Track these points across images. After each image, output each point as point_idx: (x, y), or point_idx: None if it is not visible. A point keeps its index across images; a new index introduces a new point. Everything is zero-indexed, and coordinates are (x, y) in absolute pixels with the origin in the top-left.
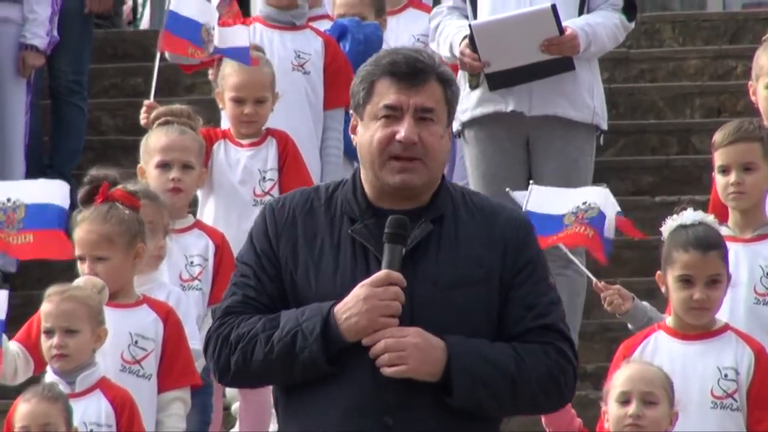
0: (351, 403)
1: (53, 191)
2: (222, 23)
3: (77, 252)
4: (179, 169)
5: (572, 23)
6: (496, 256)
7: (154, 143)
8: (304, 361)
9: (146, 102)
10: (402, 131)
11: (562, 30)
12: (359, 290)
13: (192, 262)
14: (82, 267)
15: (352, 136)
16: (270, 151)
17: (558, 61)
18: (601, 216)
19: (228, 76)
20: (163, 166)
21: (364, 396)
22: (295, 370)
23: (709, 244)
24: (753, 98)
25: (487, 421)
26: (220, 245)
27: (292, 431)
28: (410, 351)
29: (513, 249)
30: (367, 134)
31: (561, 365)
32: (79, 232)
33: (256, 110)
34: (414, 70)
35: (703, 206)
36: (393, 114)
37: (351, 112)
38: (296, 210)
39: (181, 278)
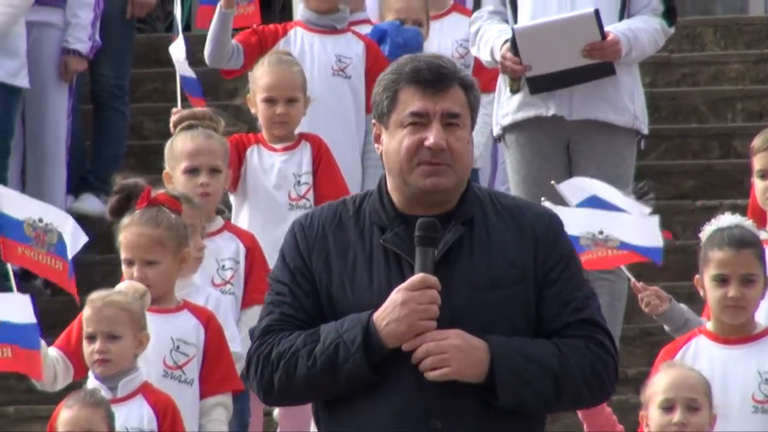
0: (397, 409)
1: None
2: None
3: (125, 255)
4: (207, 173)
5: (613, 28)
6: (529, 255)
7: (180, 148)
8: (348, 372)
9: (174, 110)
10: (431, 137)
11: (604, 35)
12: (396, 295)
13: (224, 266)
14: (130, 271)
15: (375, 145)
16: (304, 155)
17: (599, 65)
18: (625, 246)
19: (258, 79)
20: (191, 171)
21: (409, 402)
22: (339, 382)
23: (743, 242)
24: None
25: (532, 419)
26: (251, 247)
27: None
28: (452, 353)
29: (544, 246)
30: (394, 142)
31: (602, 358)
32: (128, 236)
33: (287, 110)
34: (438, 76)
35: (744, 210)
36: (419, 121)
37: (373, 121)
38: (326, 224)
39: (213, 282)
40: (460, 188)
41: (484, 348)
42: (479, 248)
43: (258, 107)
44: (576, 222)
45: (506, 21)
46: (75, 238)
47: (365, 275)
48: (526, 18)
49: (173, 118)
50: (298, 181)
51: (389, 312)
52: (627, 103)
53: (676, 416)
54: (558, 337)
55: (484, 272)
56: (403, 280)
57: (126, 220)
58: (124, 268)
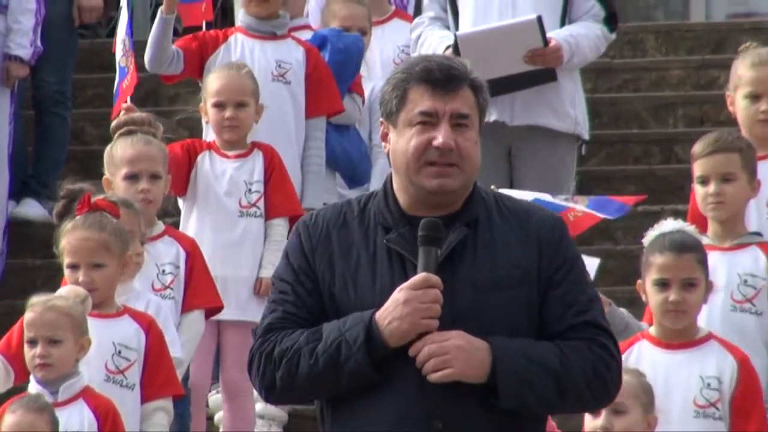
0: (399, 410)
1: None
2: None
3: (69, 260)
4: (147, 179)
5: (555, 34)
6: (533, 257)
7: (120, 155)
8: (349, 371)
9: (124, 105)
10: (439, 137)
11: (546, 41)
12: (398, 294)
13: (164, 271)
14: (74, 275)
15: (383, 144)
16: (256, 163)
17: (541, 71)
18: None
19: (209, 85)
20: (131, 177)
21: (411, 402)
22: (341, 380)
23: (684, 247)
24: (731, 108)
25: (534, 420)
26: (191, 252)
27: None
28: (454, 354)
29: (548, 248)
30: (402, 141)
31: (605, 360)
32: (73, 240)
33: (236, 114)
34: (448, 76)
35: (685, 216)
36: (429, 120)
37: (381, 120)
38: (330, 224)
39: (153, 287)
40: (466, 190)
41: (486, 349)
42: (483, 249)
43: (209, 113)
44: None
45: (447, 27)
46: None
47: (368, 275)
48: (467, 24)
49: (112, 124)
50: (249, 189)
51: (391, 311)
52: (568, 108)
53: (600, 420)
54: (560, 339)
55: (487, 273)
56: (406, 280)
57: (69, 224)
58: (67, 272)
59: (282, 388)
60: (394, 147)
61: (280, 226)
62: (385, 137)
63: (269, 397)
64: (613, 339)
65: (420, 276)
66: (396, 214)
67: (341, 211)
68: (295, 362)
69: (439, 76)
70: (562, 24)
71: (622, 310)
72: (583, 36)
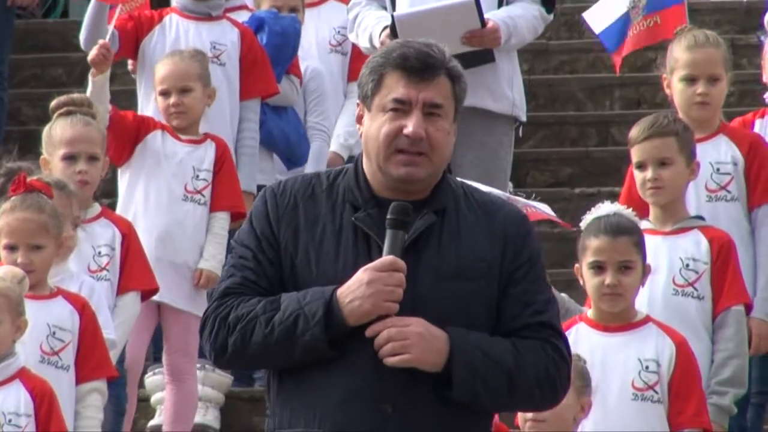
0: (351, 388)
1: None
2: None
3: (7, 240)
4: (85, 161)
5: (493, 15)
6: (497, 251)
7: (59, 135)
8: (304, 345)
9: (101, 41)
10: (410, 126)
11: (484, 22)
12: (363, 274)
13: (100, 253)
14: (12, 256)
15: (357, 126)
16: (208, 152)
17: (479, 53)
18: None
19: (156, 74)
20: (69, 158)
21: (364, 382)
22: (295, 353)
23: (620, 230)
24: (667, 91)
25: (481, 415)
26: (127, 234)
27: (287, 415)
28: (414, 340)
29: (513, 245)
30: (374, 126)
31: (557, 362)
32: (12, 221)
33: (181, 100)
34: (424, 65)
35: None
36: (401, 108)
37: (358, 102)
38: (297, 195)
39: (89, 269)
40: (434, 178)
41: (444, 338)
42: (448, 238)
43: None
44: None
45: (384, 8)
46: None
47: (332, 250)
48: (404, 5)
49: (52, 104)
50: (197, 176)
51: (354, 290)
52: (506, 90)
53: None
54: (516, 337)
55: (451, 262)
56: (370, 260)
57: (6, 204)
58: (4, 253)
59: (233, 354)
60: (367, 131)
61: (222, 220)
62: (360, 120)
63: (218, 360)
64: (566, 342)
65: (387, 258)
66: (366, 194)
67: (310, 182)
68: (249, 330)
69: (415, 63)
70: (500, 5)
71: (563, 295)
72: (521, 17)
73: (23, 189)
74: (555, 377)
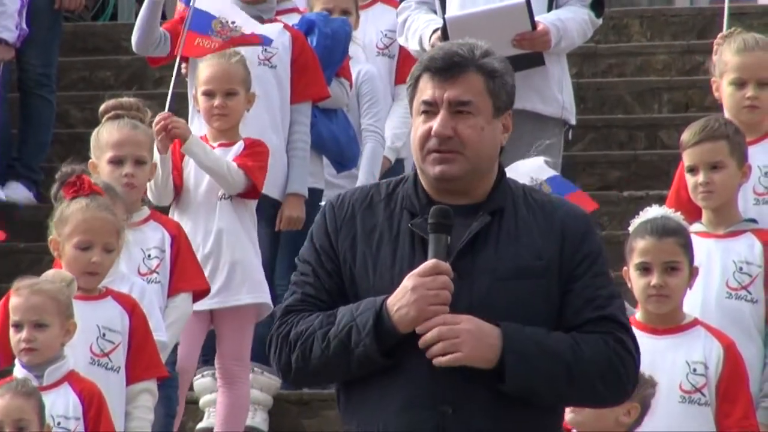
0: (408, 394)
1: None
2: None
3: (82, 237)
4: (132, 164)
5: (543, 18)
6: (555, 248)
7: (106, 138)
8: (359, 356)
9: (161, 114)
10: (435, 126)
11: (534, 25)
12: (407, 281)
13: (149, 255)
14: (87, 255)
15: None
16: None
17: (529, 56)
18: (554, 179)
19: (200, 73)
20: (116, 161)
21: (421, 387)
22: (351, 365)
23: (666, 231)
24: (716, 95)
25: (547, 411)
26: (177, 236)
27: (354, 427)
28: (464, 338)
29: (572, 241)
30: (413, 130)
31: (620, 354)
32: (90, 219)
33: (225, 102)
34: (449, 64)
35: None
36: (430, 109)
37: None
38: (355, 205)
39: (139, 272)
40: (478, 175)
41: (496, 334)
42: (506, 239)
43: (199, 102)
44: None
45: (434, 11)
46: None
47: (388, 257)
48: (454, 8)
49: (101, 107)
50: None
51: (400, 297)
52: (555, 93)
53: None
54: (578, 332)
55: (508, 262)
56: None
57: (75, 204)
58: (75, 252)
59: (297, 371)
60: (411, 135)
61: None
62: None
63: (286, 379)
64: (632, 335)
65: (429, 262)
66: (423, 200)
67: (368, 193)
68: (308, 345)
69: (440, 63)
70: (550, 8)
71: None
72: (571, 20)
73: (88, 191)
74: (618, 369)
